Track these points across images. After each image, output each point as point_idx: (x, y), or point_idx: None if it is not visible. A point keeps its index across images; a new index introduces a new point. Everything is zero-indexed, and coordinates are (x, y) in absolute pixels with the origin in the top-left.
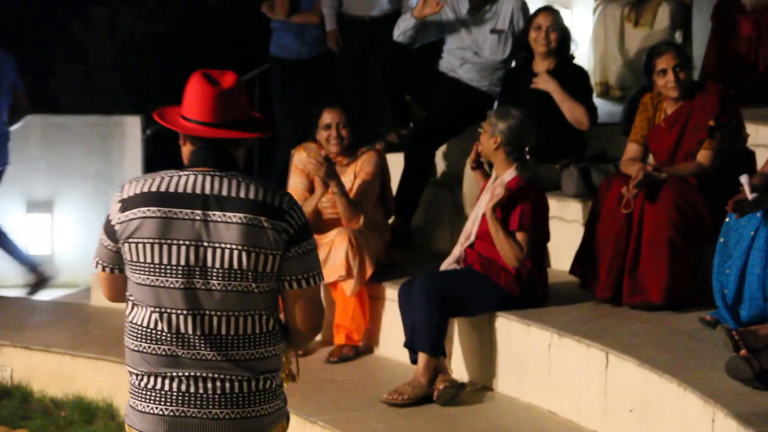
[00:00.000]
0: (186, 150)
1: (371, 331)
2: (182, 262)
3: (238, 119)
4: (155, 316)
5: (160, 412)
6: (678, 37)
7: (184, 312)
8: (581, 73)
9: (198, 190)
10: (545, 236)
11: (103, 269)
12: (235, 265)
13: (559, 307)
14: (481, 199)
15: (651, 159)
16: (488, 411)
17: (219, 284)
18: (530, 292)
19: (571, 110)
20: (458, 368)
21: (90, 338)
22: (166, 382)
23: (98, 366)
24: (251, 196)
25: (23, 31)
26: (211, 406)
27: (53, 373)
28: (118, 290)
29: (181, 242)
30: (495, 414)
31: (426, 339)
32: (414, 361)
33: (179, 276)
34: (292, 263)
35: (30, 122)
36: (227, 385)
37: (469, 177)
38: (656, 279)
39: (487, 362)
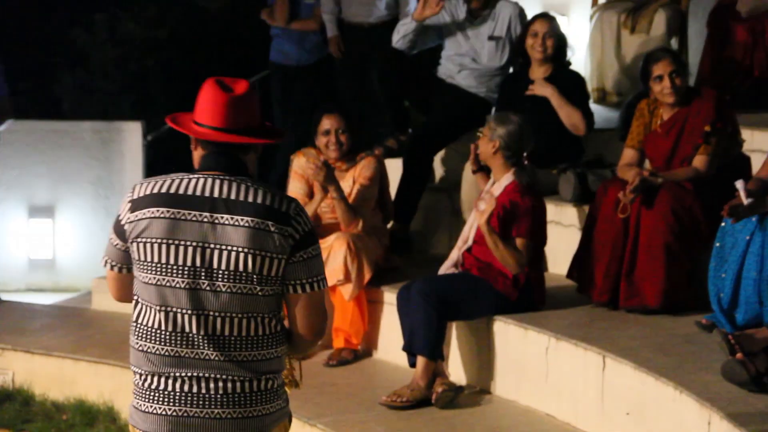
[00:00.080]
0: (197, 154)
1: (370, 334)
2: (188, 263)
3: (249, 125)
4: (161, 315)
5: (163, 412)
6: (674, 43)
7: (189, 312)
8: (578, 78)
9: (207, 193)
10: (543, 241)
11: (112, 268)
12: (241, 267)
13: (556, 310)
14: (478, 205)
15: (647, 164)
16: (486, 414)
17: (224, 286)
18: (528, 296)
19: (568, 116)
20: (456, 371)
21: (91, 342)
22: (169, 382)
23: (99, 369)
24: (259, 200)
25: (25, 37)
26: (213, 406)
27: (54, 377)
28: (125, 290)
29: (188, 243)
30: (493, 417)
31: (424, 342)
32: (412, 365)
33: (185, 276)
34: (296, 268)
35: (32, 127)
36: (229, 385)
37: (468, 182)
38: (653, 283)
39: (485, 365)
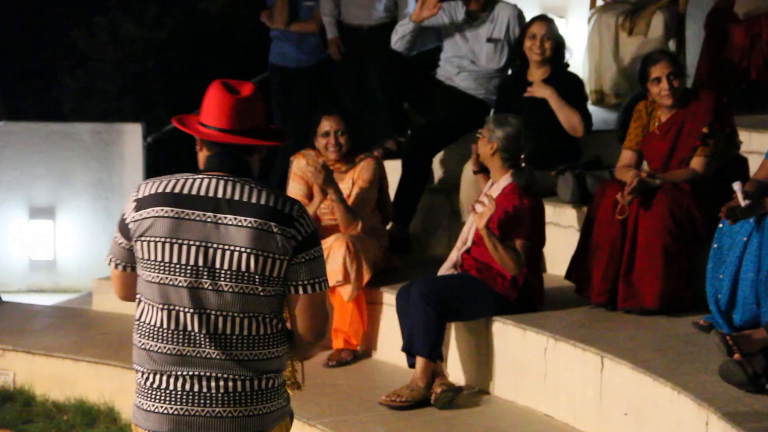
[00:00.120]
0: (202, 155)
1: (369, 335)
2: (191, 262)
3: (253, 127)
4: (163, 314)
5: (165, 411)
6: (672, 45)
7: (191, 310)
8: (576, 80)
9: (211, 194)
10: (542, 242)
11: (116, 266)
12: (243, 267)
13: (554, 311)
14: (477, 205)
15: (645, 166)
16: (485, 414)
17: (226, 285)
18: (527, 297)
19: (566, 117)
20: (455, 372)
21: (91, 343)
22: (171, 381)
23: (99, 370)
24: (262, 201)
25: (26, 39)
26: (214, 405)
27: (55, 377)
28: (129, 288)
29: (191, 242)
30: (492, 417)
31: (424, 343)
32: (412, 365)
33: (187, 275)
34: (298, 269)
35: (33, 129)
36: (230, 384)
37: (466, 183)
38: (651, 284)
39: (483, 366)
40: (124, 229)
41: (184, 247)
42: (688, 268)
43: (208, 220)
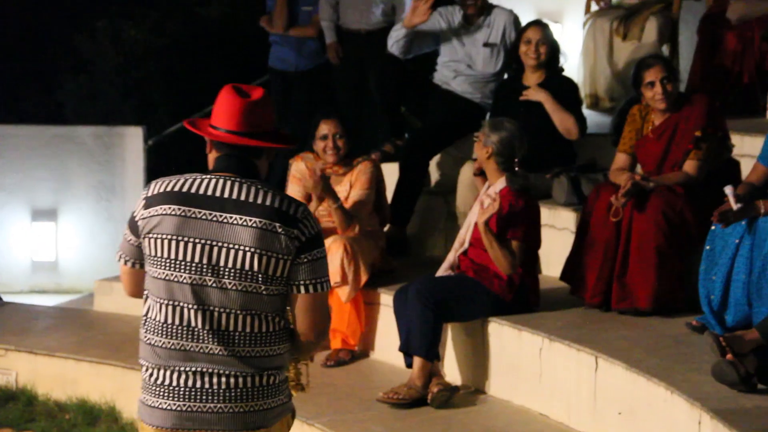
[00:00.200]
0: (212, 157)
1: (367, 335)
2: (196, 260)
3: (262, 130)
4: (168, 309)
5: (168, 407)
6: (665, 50)
7: (194, 307)
8: (570, 84)
9: (217, 193)
10: (537, 244)
11: (125, 263)
12: (247, 266)
13: (549, 312)
14: (474, 207)
15: (639, 169)
16: (481, 413)
17: (230, 283)
18: (522, 298)
19: (561, 120)
20: (452, 372)
21: (93, 343)
22: (174, 377)
23: (101, 370)
24: (268, 202)
25: (28, 43)
26: (216, 401)
27: (57, 377)
28: (137, 285)
29: (196, 240)
30: (488, 416)
31: (421, 343)
32: (409, 365)
33: (192, 272)
34: (301, 269)
35: (35, 132)
36: (231, 380)
37: (463, 185)
38: (644, 285)
39: (480, 366)
40: (133, 226)
41: (190, 245)
42: (681, 270)
43: (214, 219)
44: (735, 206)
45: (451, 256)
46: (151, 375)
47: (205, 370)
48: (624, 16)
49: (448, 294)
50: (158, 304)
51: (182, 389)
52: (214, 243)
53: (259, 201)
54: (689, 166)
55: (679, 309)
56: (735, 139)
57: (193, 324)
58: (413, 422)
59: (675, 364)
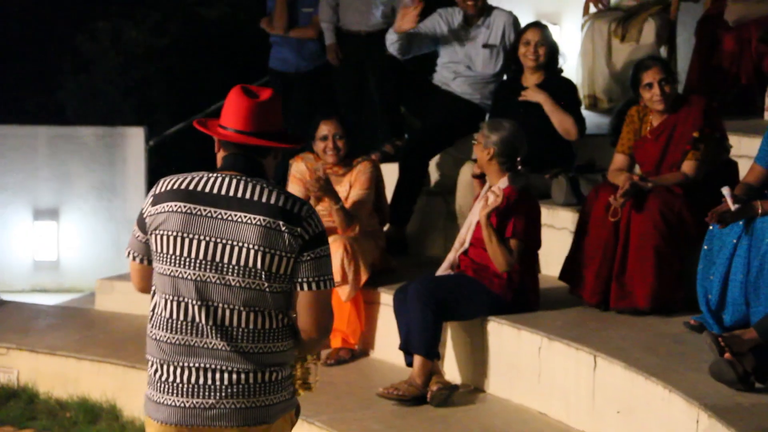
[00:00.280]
0: (220, 156)
1: (367, 334)
2: (200, 256)
3: (269, 130)
4: (173, 305)
5: (172, 404)
6: (663, 51)
7: (198, 302)
8: (569, 85)
9: (223, 191)
10: (537, 243)
11: (134, 259)
12: (251, 263)
13: (548, 311)
14: (474, 207)
15: (637, 169)
16: (480, 412)
17: (233, 280)
18: (522, 297)
19: (560, 121)
20: (451, 370)
21: (94, 341)
22: (178, 373)
23: (102, 368)
24: (272, 201)
25: (30, 44)
26: (219, 397)
27: (58, 375)
28: (146, 280)
29: (201, 237)
30: (487, 415)
31: (421, 342)
32: (409, 364)
33: (196, 268)
34: (305, 266)
35: (37, 133)
36: (234, 376)
37: (462, 186)
38: (643, 285)
39: (479, 365)
40: (141, 222)
41: (194, 242)
42: (679, 270)
43: (219, 216)
44: (733, 207)
45: (452, 256)
46: (156, 371)
47: (207, 366)
48: (622, 18)
49: (448, 293)
50: (164, 300)
51: (185, 386)
52: (219, 240)
53: (264, 199)
54: (687, 166)
55: (678, 308)
56: (732, 139)
57: (197, 320)
58: (412, 421)
59: (673, 363)
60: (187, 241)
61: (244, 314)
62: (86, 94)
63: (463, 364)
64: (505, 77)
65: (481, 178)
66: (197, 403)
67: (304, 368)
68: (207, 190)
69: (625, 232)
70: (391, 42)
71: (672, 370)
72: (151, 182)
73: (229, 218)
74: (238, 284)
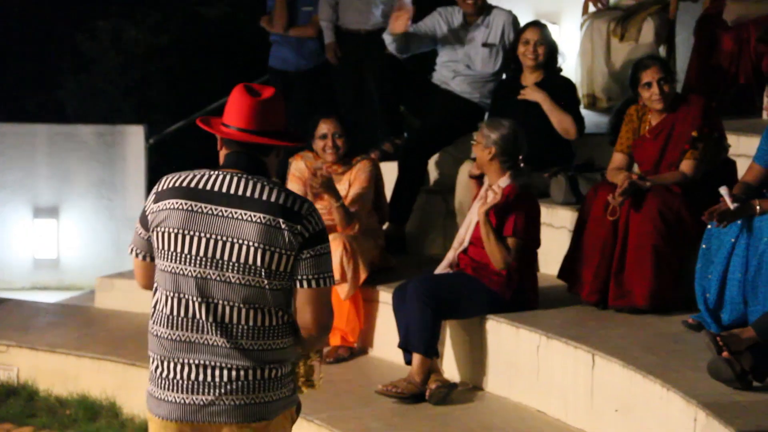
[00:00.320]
0: (222, 154)
1: (366, 332)
2: (201, 253)
3: (271, 129)
4: (174, 301)
5: (173, 400)
6: (662, 51)
7: (199, 299)
8: (568, 84)
9: (224, 189)
10: (537, 242)
11: (137, 256)
12: (251, 261)
13: (547, 310)
14: (474, 206)
15: (636, 168)
16: (479, 410)
17: (233, 277)
18: (521, 296)
19: (559, 120)
20: (450, 369)
21: (94, 339)
22: (178, 369)
23: (101, 366)
24: (273, 199)
25: (31, 43)
26: (218, 393)
27: (58, 373)
28: (149, 277)
29: (201, 234)
30: (485, 413)
31: (420, 340)
32: (408, 362)
33: (196, 265)
34: (305, 264)
35: (37, 131)
36: (233, 373)
37: (461, 185)
38: (641, 283)
39: (478, 363)
40: (143, 220)
41: (195, 239)
42: (678, 268)
43: (219, 213)
44: (731, 206)
45: (451, 255)
46: (157, 367)
47: (207, 362)
48: (621, 17)
49: (447, 292)
50: (165, 297)
51: (185, 382)
52: (219, 237)
53: (265, 197)
54: (686, 165)
55: (676, 307)
56: (731, 139)
57: (197, 316)
58: (411, 418)
59: (671, 361)
60: (187, 238)
61: (243, 311)
62: (86, 94)
63: (461, 363)
64: (504, 76)
65: (478, 178)
66: (197, 399)
67: (308, 366)
68: (208, 187)
69: (623, 231)
70: (389, 42)
71: (670, 369)
72: (150, 180)
73: (230, 215)
74: (238, 281)
